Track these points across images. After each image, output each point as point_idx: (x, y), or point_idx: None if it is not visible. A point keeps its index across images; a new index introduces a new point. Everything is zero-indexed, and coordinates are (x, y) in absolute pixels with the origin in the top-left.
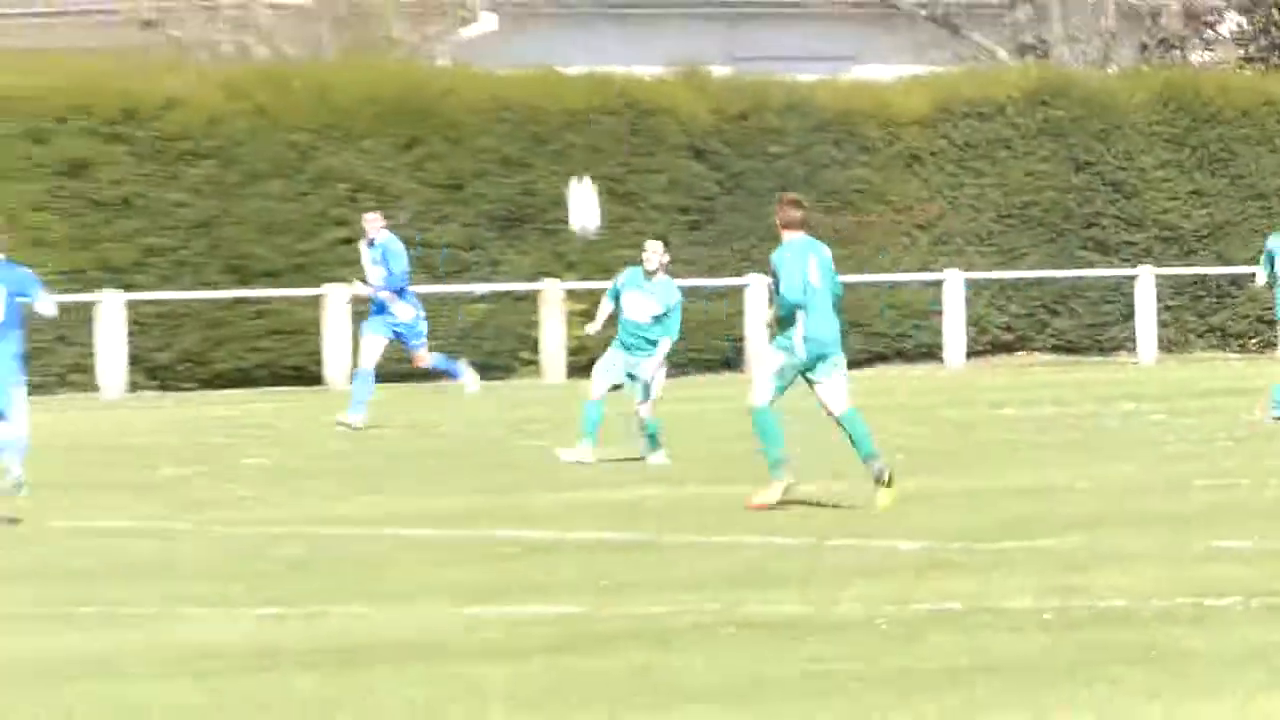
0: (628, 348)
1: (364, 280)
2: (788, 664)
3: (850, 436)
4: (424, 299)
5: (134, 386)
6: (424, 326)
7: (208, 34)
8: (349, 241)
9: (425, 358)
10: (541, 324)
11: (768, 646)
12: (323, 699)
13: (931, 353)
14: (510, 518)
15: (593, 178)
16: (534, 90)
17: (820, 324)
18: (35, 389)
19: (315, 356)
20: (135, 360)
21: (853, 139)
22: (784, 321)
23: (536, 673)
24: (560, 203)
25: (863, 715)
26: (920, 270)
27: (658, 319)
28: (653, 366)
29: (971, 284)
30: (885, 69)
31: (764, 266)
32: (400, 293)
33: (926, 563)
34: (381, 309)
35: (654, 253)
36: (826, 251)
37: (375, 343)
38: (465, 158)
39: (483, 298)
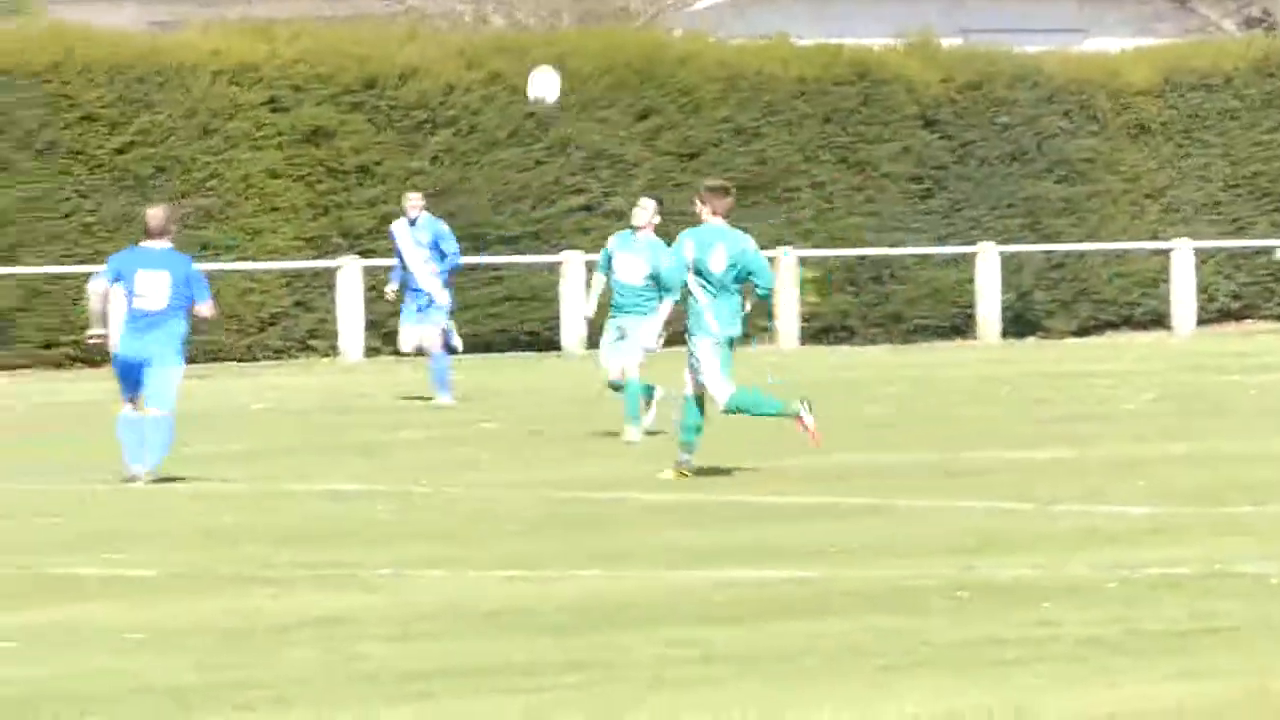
0: (624, 310)
1: (402, 266)
2: (1022, 627)
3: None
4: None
5: (371, 351)
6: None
7: (447, 3)
8: (587, 209)
9: (436, 346)
10: (777, 292)
11: (1002, 609)
12: (557, 662)
13: (1160, 321)
14: (741, 482)
15: (825, 147)
16: (766, 60)
17: (723, 310)
18: (275, 353)
19: (551, 323)
20: (373, 325)
21: (1082, 109)
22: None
23: (767, 637)
24: (793, 171)
25: (1096, 677)
26: (1149, 239)
27: (651, 278)
28: (649, 329)
29: (1200, 253)
30: (1113, 42)
31: (995, 234)
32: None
33: (1155, 527)
34: (418, 292)
35: (643, 209)
36: (747, 243)
37: (414, 331)
38: (699, 127)
39: None
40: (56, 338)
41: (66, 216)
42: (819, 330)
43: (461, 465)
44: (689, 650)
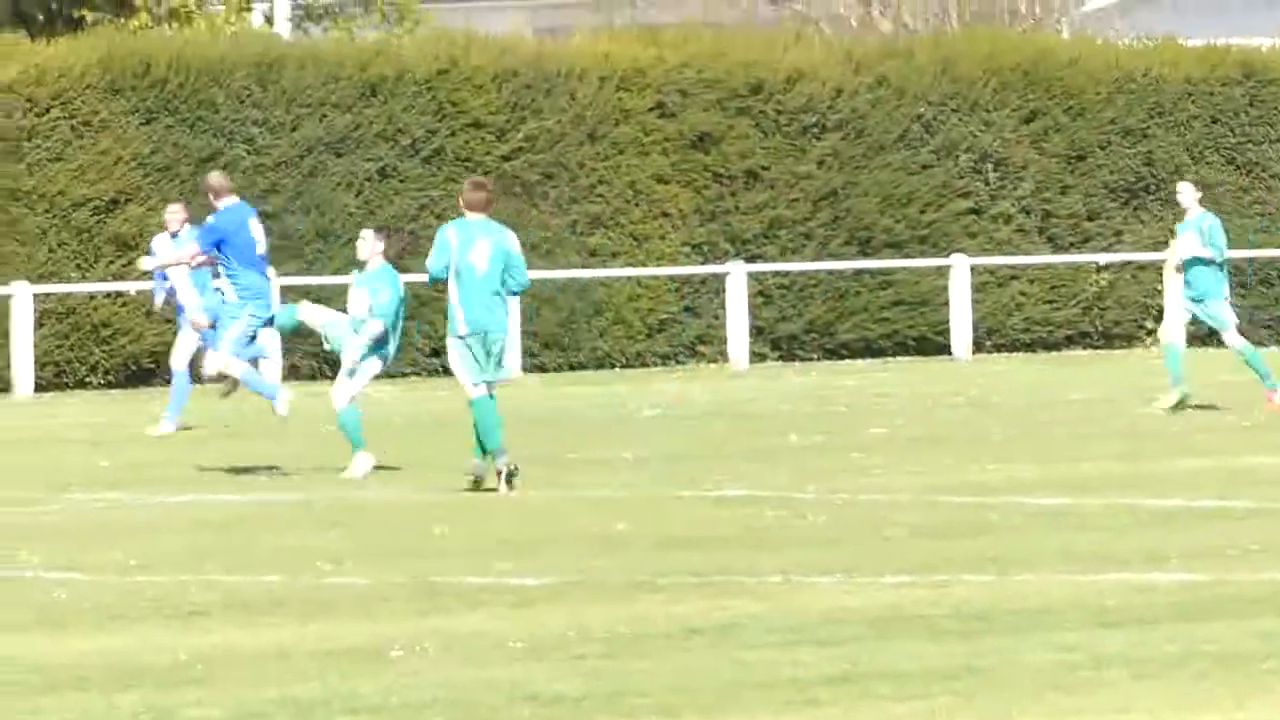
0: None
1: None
2: None
3: (478, 424)
4: (1046, 269)
5: (757, 357)
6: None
7: (832, 7)
8: (974, 212)
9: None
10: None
11: None
12: (946, 668)
13: None
14: (1130, 485)
15: (1212, 148)
16: (1154, 61)
17: (478, 306)
18: (663, 359)
19: (940, 327)
20: (758, 331)
21: None
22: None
23: (1159, 641)
24: (1180, 173)
25: None
26: None
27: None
28: (352, 348)
29: None
30: None
31: None
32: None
33: None
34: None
35: (363, 240)
36: (510, 240)
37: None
38: (1087, 129)
39: (1105, 268)
40: (441, 344)
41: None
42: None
43: (850, 470)
44: (1079, 655)
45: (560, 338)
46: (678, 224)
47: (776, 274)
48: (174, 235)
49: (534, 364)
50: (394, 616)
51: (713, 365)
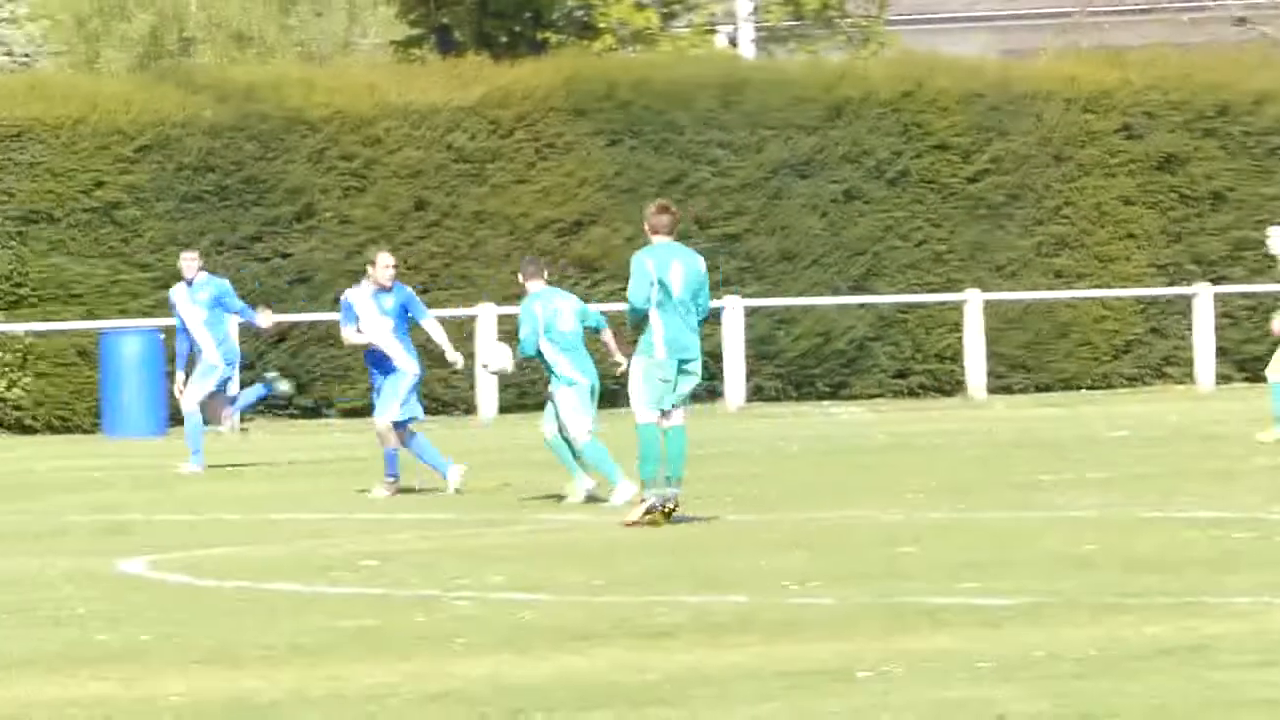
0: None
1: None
2: None
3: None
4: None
5: (1223, 378)
6: None
7: None
8: None
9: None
10: None
11: None
12: None
13: None
14: None
15: None
16: None
17: (677, 328)
18: (1130, 380)
19: None
20: (1224, 352)
21: None
22: (639, 327)
23: None
24: None
25: None
26: None
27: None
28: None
29: None
30: None
31: None
32: None
33: None
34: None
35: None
36: (701, 264)
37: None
38: None
39: None
40: (910, 366)
41: (919, 245)
42: None
43: None
44: None
45: (1026, 359)
46: (1143, 245)
47: (1243, 295)
48: (189, 283)
49: (999, 385)
50: (860, 637)
51: (1179, 387)
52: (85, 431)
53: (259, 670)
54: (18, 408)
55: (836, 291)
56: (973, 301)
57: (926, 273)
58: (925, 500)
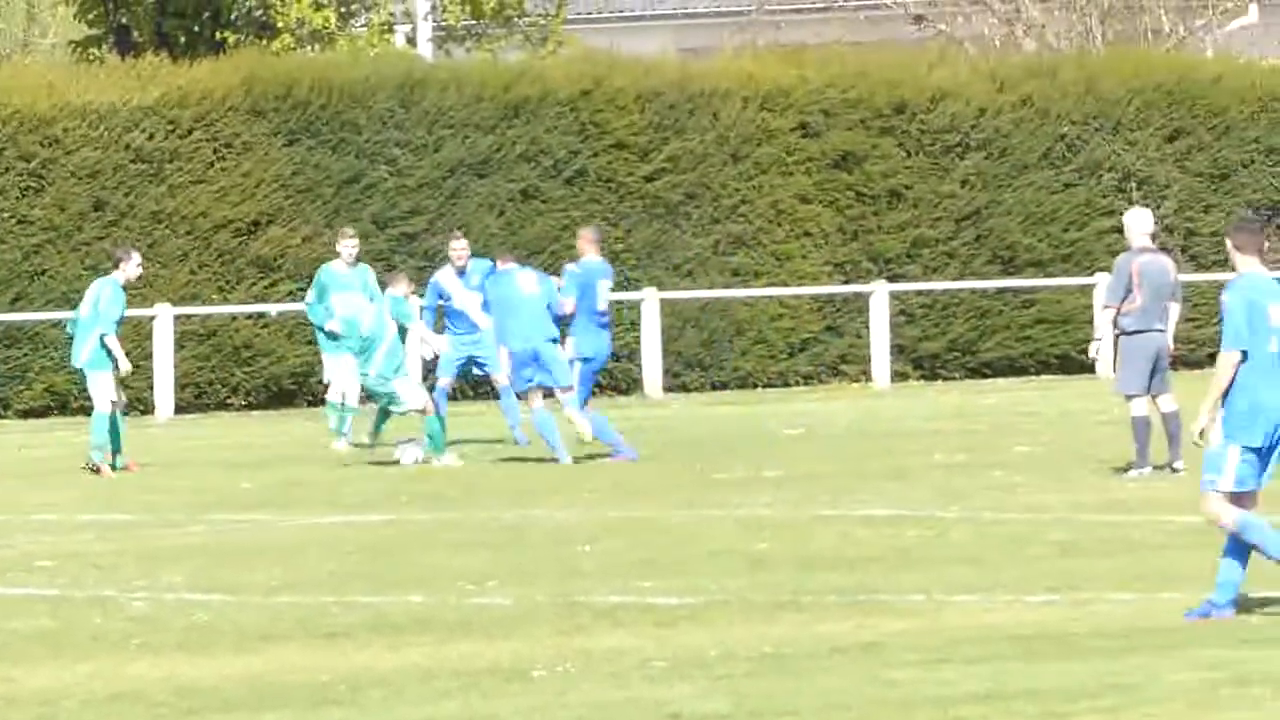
0: None
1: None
2: None
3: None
4: (1188, 288)
5: (899, 376)
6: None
7: (976, 27)
8: (1118, 231)
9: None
10: None
11: None
12: (1091, 686)
13: None
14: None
15: None
16: None
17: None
18: (806, 378)
19: (1083, 345)
20: (900, 350)
21: None
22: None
23: None
24: None
25: None
26: None
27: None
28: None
29: None
30: None
31: None
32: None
33: None
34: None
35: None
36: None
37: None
38: (1230, 148)
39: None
40: None
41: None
42: None
43: (993, 489)
44: (1222, 673)
45: (702, 357)
46: (820, 243)
47: (919, 293)
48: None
49: (676, 383)
50: (537, 636)
51: (855, 385)
52: None
53: None
54: None
55: None
56: (649, 300)
57: None
58: (601, 499)
